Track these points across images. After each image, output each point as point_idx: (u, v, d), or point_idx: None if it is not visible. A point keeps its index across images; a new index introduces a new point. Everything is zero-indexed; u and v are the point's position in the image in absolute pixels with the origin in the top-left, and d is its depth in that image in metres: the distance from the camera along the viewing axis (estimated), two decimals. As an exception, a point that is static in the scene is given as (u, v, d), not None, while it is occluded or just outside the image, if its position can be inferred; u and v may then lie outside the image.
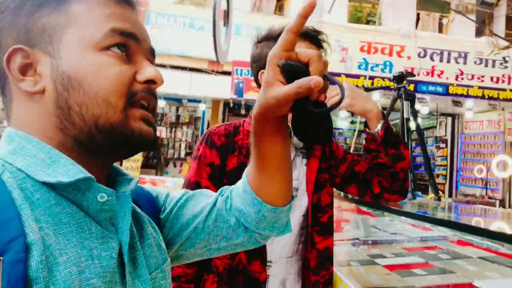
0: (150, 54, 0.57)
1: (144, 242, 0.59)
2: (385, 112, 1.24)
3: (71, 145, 0.51)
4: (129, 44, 0.53)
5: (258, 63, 1.19)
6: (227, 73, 6.59)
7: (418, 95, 6.19)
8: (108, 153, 0.54)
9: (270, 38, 1.17)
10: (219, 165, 1.15)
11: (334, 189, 1.32)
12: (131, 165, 6.13)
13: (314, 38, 1.16)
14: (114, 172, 0.59)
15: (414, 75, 2.57)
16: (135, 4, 0.56)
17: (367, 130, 1.19)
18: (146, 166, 7.48)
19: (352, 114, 8.94)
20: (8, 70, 0.50)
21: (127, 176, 0.58)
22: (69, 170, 0.48)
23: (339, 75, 6.24)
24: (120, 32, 0.52)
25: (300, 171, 1.21)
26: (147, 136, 0.54)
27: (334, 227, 1.26)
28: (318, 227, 1.19)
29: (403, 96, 2.42)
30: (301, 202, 1.19)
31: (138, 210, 0.63)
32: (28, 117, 0.51)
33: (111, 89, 0.50)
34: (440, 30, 8.48)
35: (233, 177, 1.14)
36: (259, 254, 1.12)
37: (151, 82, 0.54)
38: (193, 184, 1.14)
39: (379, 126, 1.15)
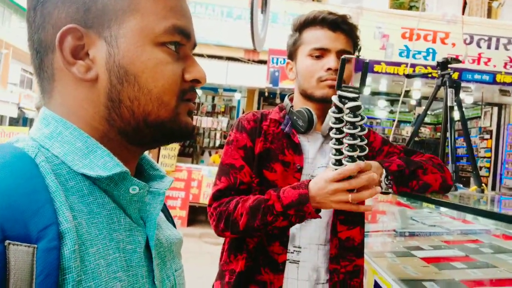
0: (193, 48, 0.56)
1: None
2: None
3: (114, 135, 0.50)
4: (182, 42, 0.52)
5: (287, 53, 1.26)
6: (263, 62, 6.56)
7: (462, 84, 5.87)
8: (150, 144, 0.54)
9: (296, 29, 1.20)
10: (251, 146, 1.18)
11: None
12: (168, 153, 6.26)
13: (333, 23, 1.13)
14: (146, 164, 0.59)
15: (460, 61, 2.42)
16: None
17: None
18: (182, 154, 7.61)
19: (392, 103, 8.71)
20: (60, 50, 0.46)
21: (160, 172, 0.58)
22: (106, 163, 0.47)
23: (379, 63, 6.05)
24: (179, 30, 0.51)
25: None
26: (190, 128, 0.54)
27: (369, 218, 1.23)
28: (342, 216, 1.17)
29: (447, 83, 2.30)
30: None
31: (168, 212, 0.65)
32: (74, 103, 0.49)
33: (166, 88, 0.50)
34: (489, 15, 8.01)
35: (259, 161, 1.16)
36: (278, 237, 1.13)
37: (196, 81, 0.53)
38: (226, 166, 1.18)
39: (383, 186, 1.10)
